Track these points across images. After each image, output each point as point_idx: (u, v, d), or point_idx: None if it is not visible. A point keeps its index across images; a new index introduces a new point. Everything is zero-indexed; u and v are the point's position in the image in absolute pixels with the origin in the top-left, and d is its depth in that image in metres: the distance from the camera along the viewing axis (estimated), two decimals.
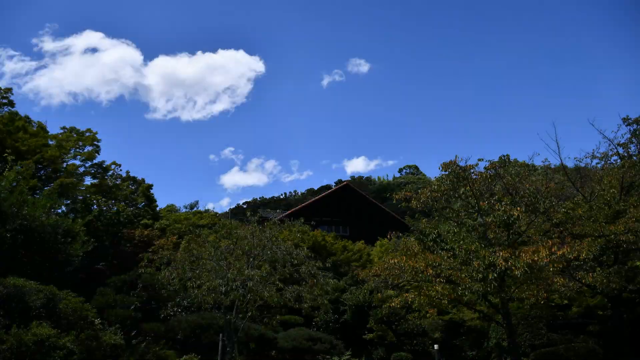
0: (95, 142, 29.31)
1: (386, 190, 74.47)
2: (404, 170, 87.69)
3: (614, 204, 19.19)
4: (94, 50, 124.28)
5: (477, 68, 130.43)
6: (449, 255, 15.50)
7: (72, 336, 13.78)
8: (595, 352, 19.39)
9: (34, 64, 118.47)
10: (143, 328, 19.38)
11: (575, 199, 20.74)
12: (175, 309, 20.09)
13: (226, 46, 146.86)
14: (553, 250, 14.32)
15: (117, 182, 30.51)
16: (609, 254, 18.45)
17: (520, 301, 18.03)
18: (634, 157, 22.94)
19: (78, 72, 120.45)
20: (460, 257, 15.10)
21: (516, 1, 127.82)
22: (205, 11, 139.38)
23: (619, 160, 23.67)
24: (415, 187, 47.69)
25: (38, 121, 28.20)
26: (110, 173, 30.33)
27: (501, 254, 14.28)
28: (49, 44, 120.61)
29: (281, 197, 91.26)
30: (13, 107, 27.18)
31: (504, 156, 17.53)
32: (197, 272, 18.39)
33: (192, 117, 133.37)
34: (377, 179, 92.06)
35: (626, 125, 23.48)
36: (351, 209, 46.54)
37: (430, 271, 15.40)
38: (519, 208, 15.22)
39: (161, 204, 44.97)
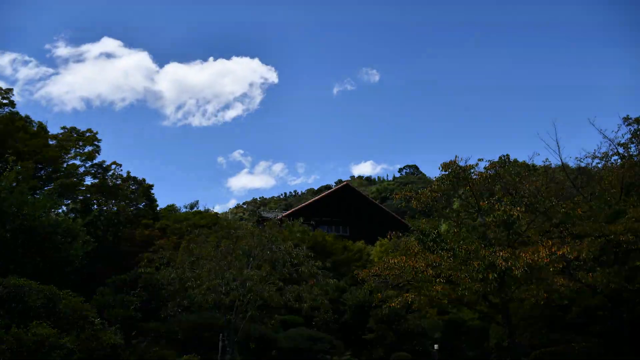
0: (96, 142, 29.27)
1: (386, 191, 74.63)
2: (404, 170, 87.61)
3: (614, 204, 19.16)
4: (109, 55, 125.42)
5: (477, 68, 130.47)
6: (449, 255, 15.50)
7: (72, 336, 13.78)
8: (595, 352, 19.37)
9: (48, 70, 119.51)
10: (143, 328, 19.37)
11: (576, 199, 20.70)
12: (175, 309, 20.09)
13: (241, 54, 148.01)
14: (553, 250, 14.32)
15: (118, 182, 30.45)
16: (609, 254, 18.43)
17: (520, 301, 18.03)
18: (635, 157, 22.87)
19: (92, 78, 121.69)
20: (460, 257, 15.09)
21: (516, 1, 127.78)
22: (221, 21, 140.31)
23: (619, 160, 23.62)
24: (415, 187, 47.69)
25: (38, 121, 28.18)
26: (110, 173, 30.28)
27: (501, 254, 14.27)
28: (63, 50, 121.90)
29: (281, 197, 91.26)
30: (14, 107, 27.15)
31: (504, 156, 17.54)
32: (197, 272, 18.40)
33: (204, 123, 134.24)
34: (377, 179, 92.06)
35: (626, 125, 23.37)
36: (351, 209, 46.50)
37: (430, 271, 15.41)
38: (519, 208, 15.21)
39: (165, 204, 45.07)
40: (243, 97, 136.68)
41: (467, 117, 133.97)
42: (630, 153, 23.36)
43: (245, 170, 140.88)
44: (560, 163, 25.33)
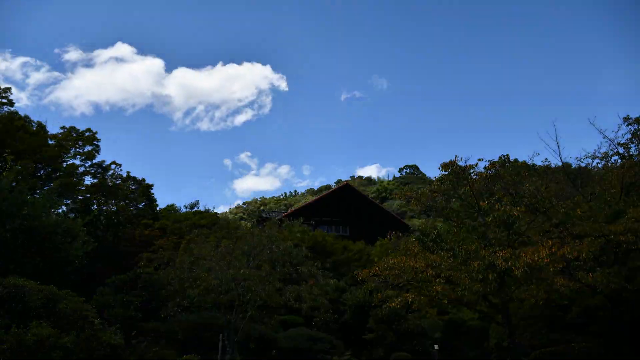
0: (95, 142, 29.26)
1: (386, 191, 74.63)
2: (404, 170, 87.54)
3: (614, 204, 19.15)
4: (120, 60, 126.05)
5: (477, 68, 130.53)
6: (449, 255, 15.49)
7: (72, 336, 13.76)
8: (595, 352, 19.36)
9: (59, 74, 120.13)
10: (143, 328, 19.36)
11: (576, 198, 20.70)
12: (175, 308, 20.08)
13: (252, 60, 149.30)
14: (553, 250, 14.30)
15: (117, 182, 30.44)
16: (609, 254, 18.41)
17: (520, 301, 18.02)
18: (635, 157, 22.87)
19: (102, 83, 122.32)
20: (460, 257, 15.08)
21: (516, 1, 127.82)
22: (234, 29, 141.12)
23: (619, 160, 23.63)
24: (415, 187, 47.70)
25: (37, 121, 28.17)
26: (110, 173, 30.27)
27: (501, 254, 14.26)
28: (74, 55, 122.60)
29: (281, 197, 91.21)
30: (12, 106, 27.15)
31: (504, 156, 17.54)
32: (197, 272, 18.40)
33: (212, 128, 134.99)
34: (377, 179, 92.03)
35: (626, 125, 23.37)
36: (351, 209, 46.50)
37: (430, 271, 15.40)
38: (519, 208, 15.20)
39: (168, 205, 45.16)
40: (252, 103, 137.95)
41: (467, 117, 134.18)
42: (630, 153, 23.37)
43: (251, 172, 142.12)
44: (560, 163, 25.38)
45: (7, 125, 24.90)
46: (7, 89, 27.38)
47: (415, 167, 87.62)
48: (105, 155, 30.34)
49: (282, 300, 19.18)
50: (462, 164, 16.89)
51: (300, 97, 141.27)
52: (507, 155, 17.56)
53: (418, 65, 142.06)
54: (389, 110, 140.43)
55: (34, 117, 27.88)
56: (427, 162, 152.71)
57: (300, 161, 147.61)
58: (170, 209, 43.18)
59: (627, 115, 23.29)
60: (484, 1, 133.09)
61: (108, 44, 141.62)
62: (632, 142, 23.30)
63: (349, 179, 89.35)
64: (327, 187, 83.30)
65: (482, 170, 17.30)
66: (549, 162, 26.37)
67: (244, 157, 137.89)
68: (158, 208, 35.33)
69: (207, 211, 44.68)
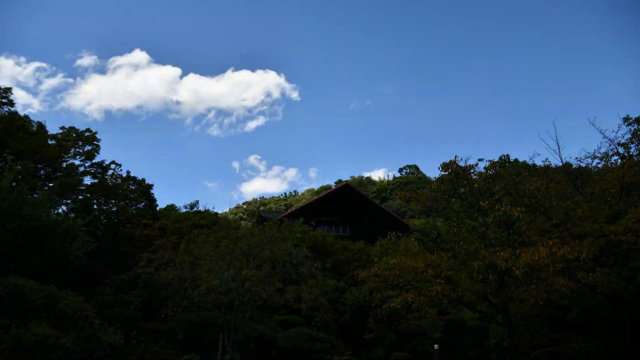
0: (95, 142, 29.24)
1: (386, 191, 74.62)
2: (404, 170, 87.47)
3: (614, 204, 19.15)
4: (135, 67, 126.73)
5: (477, 68, 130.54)
6: (449, 255, 15.48)
7: (71, 336, 13.78)
8: (595, 352, 19.35)
9: (71, 80, 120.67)
10: (143, 328, 19.36)
11: (576, 198, 20.70)
12: (175, 308, 20.09)
13: (265, 68, 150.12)
14: (553, 250, 14.29)
15: (117, 182, 30.44)
16: (609, 254, 18.41)
17: (520, 301, 18.00)
18: (635, 157, 22.87)
19: (114, 89, 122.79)
20: (460, 257, 15.07)
21: (516, 1, 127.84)
22: (248, 36, 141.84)
23: (619, 160, 23.63)
24: (415, 187, 47.71)
25: (38, 121, 28.22)
26: (110, 173, 30.27)
27: (501, 254, 14.25)
28: (88, 60, 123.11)
29: (281, 197, 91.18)
30: (12, 106, 27.16)
31: (504, 156, 17.53)
32: (197, 272, 18.39)
33: (222, 135, 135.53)
34: (377, 179, 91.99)
35: (627, 125, 23.37)
36: (351, 209, 46.50)
37: (430, 271, 15.39)
38: (519, 208, 15.19)
39: (168, 204, 45.23)
40: (263, 111, 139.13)
41: (467, 117, 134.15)
42: (631, 153, 23.38)
43: (259, 174, 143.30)
44: (560, 163, 25.38)
45: (7, 125, 24.91)
46: (8, 89, 27.40)
47: (415, 167, 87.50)
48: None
49: (282, 300, 19.16)
50: (462, 164, 16.87)
51: (311, 104, 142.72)
52: (507, 155, 17.56)
53: (418, 65, 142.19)
54: (390, 111, 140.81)
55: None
56: (427, 162, 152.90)
57: (308, 164, 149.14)
58: (170, 208, 43.21)
59: (627, 115, 23.31)
60: (484, 1, 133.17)
61: (125, 50, 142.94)
62: (632, 142, 23.31)
63: (349, 178, 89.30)
64: (327, 187, 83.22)
65: (482, 170, 17.29)
66: (549, 162, 26.42)
67: (252, 159, 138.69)
68: (158, 208, 35.34)
69: (207, 211, 44.69)
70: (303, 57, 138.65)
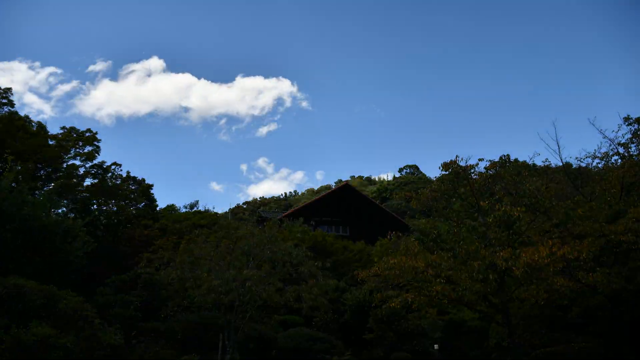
0: (95, 143, 29.23)
1: (386, 191, 74.58)
2: (404, 170, 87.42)
3: (614, 204, 19.14)
4: (148, 74, 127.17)
5: (476, 67, 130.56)
6: (449, 255, 15.48)
7: (72, 336, 13.77)
8: (595, 352, 19.35)
9: (82, 86, 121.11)
10: (143, 328, 19.37)
11: (576, 198, 20.70)
12: (175, 308, 20.09)
13: (275, 74, 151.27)
14: (553, 250, 14.29)
15: (117, 182, 30.43)
16: (609, 254, 18.41)
17: (520, 301, 18.00)
18: (635, 157, 22.86)
19: (125, 96, 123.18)
20: (461, 257, 15.07)
21: (516, 1, 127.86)
22: (260, 43, 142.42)
23: (619, 160, 23.61)
24: (415, 187, 47.69)
25: (38, 121, 28.18)
26: (110, 174, 30.24)
27: (501, 254, 14.25)
28: (101, 66, 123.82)
29: (281, 197, 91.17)
30: (13, 107, 27.15)
31: (504, 156, 17.55)
32: (197, 272, 18.39)
33: (230, 140, 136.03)
34: (377, 179, 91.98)
35: (627, 125, 23.34)
36: (351, 209, 46.49)
37: (431, 271, 15.39)
38: (519, 208, 15.20)
39: (168, 204, 45.24)
40: (272, 117, 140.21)
41: (468, 117, 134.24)
42: (631, 153, 23.36)
43: (267, 176, 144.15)
44: (560, 163, 25.37)
45: (7, 125, 24.90)
46: (8, 89, 27.39)
47: (415, 167, 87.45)
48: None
49: (282, 300, 19.15)
50: (462, 164, 16.87)
51: (320, 109, 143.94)
52: (508, 155, 17.59)
53: (419, 65, 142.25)
54: (390, 111, 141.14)
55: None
56: (427, 162, 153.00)
57: (315, 166, 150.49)
58: (170, 209, 43.24)
59: (628, 115, 23.29)
60: (484, 1, 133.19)
61: (141, 57, 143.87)
62: (633, 142, 23.29)
63: (349, 178, 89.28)
64: (327, 187, 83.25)
65: (483, 170, 17.30)
66: (549, 162, 26.41)
67: (261, 162, 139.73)
68: (158, 208, 35.33)
69: (207, 211, 44.71)
70: (311, 62, 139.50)
